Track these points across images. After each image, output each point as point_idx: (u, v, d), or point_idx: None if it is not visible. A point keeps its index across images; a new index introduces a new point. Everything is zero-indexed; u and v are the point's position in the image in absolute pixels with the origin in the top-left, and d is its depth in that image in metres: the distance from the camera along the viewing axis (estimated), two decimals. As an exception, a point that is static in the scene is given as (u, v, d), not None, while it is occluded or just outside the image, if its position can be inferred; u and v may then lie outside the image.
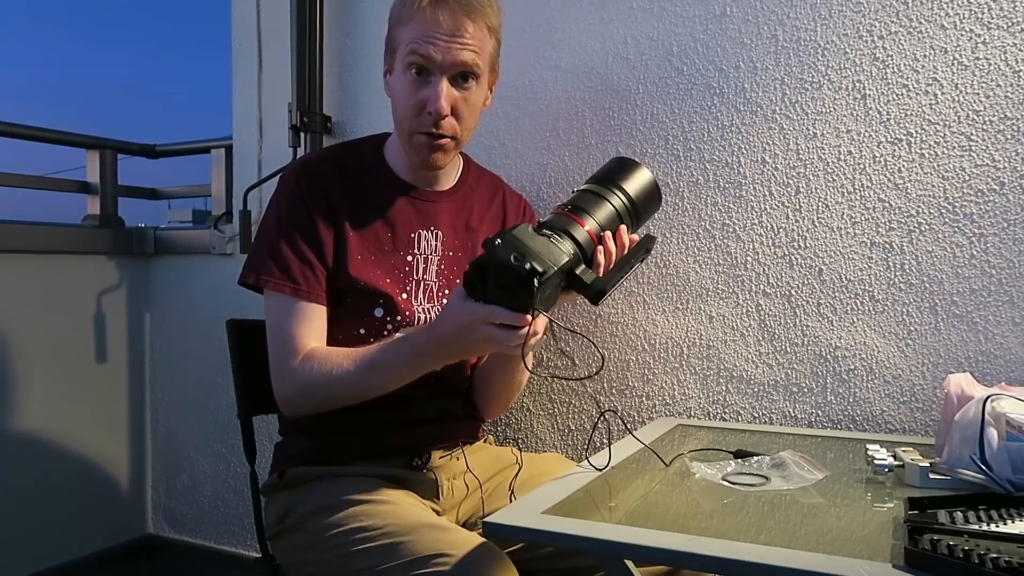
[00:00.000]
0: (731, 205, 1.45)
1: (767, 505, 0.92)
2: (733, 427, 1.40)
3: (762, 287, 1.43)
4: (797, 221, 1.40)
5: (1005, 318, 1.27)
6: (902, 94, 1.33)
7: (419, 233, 1.27)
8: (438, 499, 1.24)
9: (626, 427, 1.29)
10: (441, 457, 1.27)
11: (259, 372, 1.25)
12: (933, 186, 1.31)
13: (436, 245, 1.28)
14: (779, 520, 0.88)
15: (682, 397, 1.49)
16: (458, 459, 1.28)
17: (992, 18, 1.27)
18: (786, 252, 1.41)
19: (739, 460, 1.07)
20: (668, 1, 1.48)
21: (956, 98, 1.29)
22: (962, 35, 1.29)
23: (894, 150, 1.33)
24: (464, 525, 1.25)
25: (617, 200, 1.12)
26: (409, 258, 1.26)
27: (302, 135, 1.81)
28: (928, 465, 0.99)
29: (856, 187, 1.36)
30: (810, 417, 1.40)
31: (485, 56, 1.19)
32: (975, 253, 1.29)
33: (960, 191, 1.29)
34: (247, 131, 1.95)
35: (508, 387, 1.34)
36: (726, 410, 1.46)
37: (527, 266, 0.95)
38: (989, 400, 0.97)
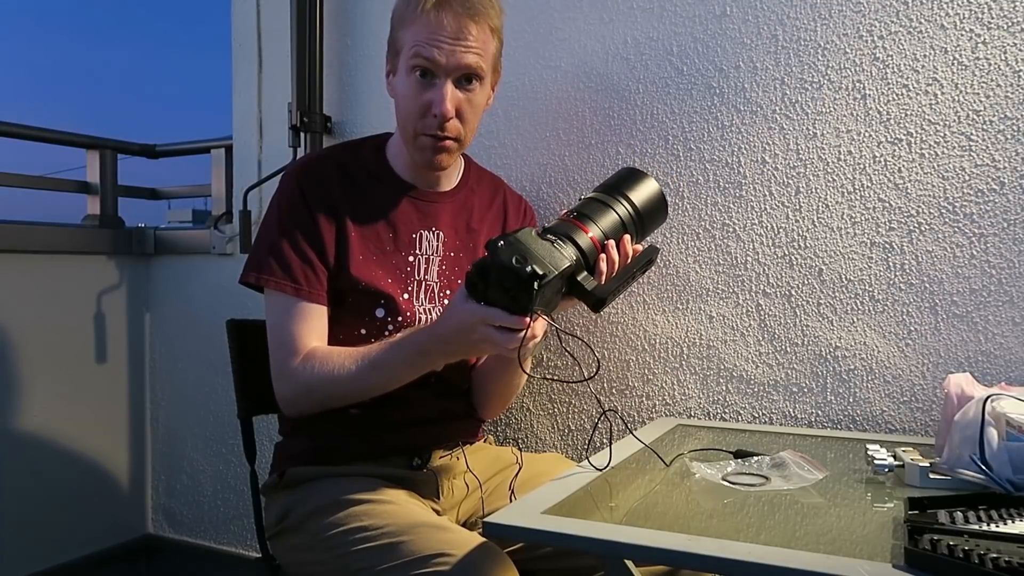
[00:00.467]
0: (731, 205, 1.45)
1: (767, 505, 0.92)
2: (733, 427, 1.40)
3: (762, 287, 1.43)
4: (797, 221, 1.40)
5: (1005, 318, 1.27)
6: (902, 94, 1.33)
7: (420, 233, 1.27)
8: (438, 499, 1.24)
9: (626, 427, 1.30)
10: (441, 457, 1.27)
11: (259, 372, 1.25)
12: (933, 186, 1.31)
13: (437, 246, 1.28)
14: (779, 520, 0.88)
15: (682, 397, 1.49)
16: (458, 459, 1.28)
17: (992, 18, 1.27)
18: (786, 252, 1.41)
19: (739, 460, 1.07)
20: (668, 1, 1.48)
21: (956, 98, 1.29)
22: (962, 35, 1.29)
23: (894, 150, 1.33)
24: (464, 525, 1.25)
25: (623, 209, 1.12)
26: (411, 258, 1.26)
27: (302, 135, 1.81)
28: (928, 465, 0.99)
29: (856, 187, 1.36)
30: (810, 417, 1.40)
31: (488, 57, 1.19)
32: (975, 253, 1.29)
33: (960, 191, 1.29)
34: (247, 131, 1.95)
35: (506, 388, 1.34)
36: (726, 410, 1.46)
37: (528, 269, 0.96)
38: (989, 400, 0.97)
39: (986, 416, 0.95)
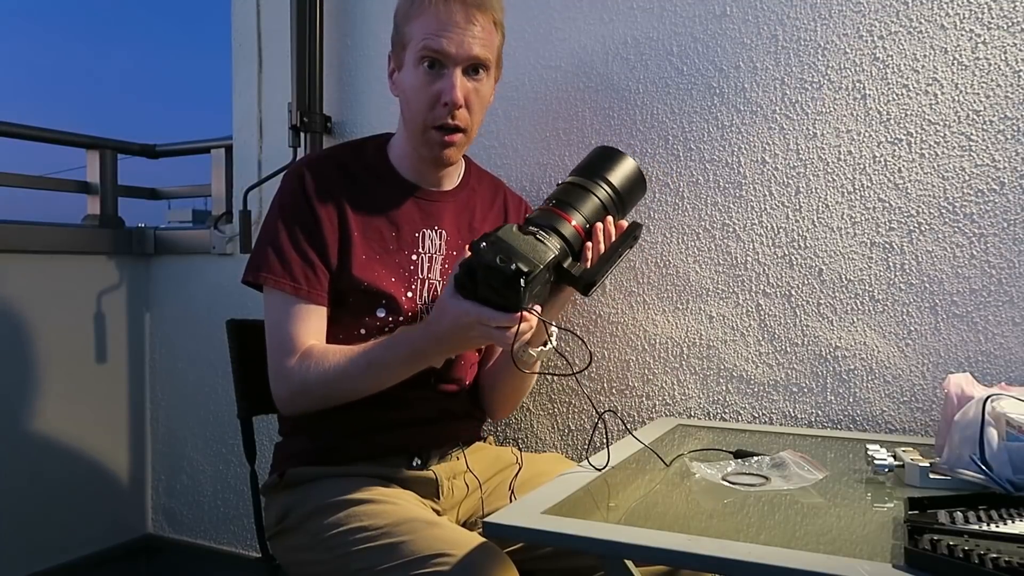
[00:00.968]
0: (731, 205, 1.45)
1: (767, 505, 0.92)
2: (733, 427, 1.40)
3: (762, 287, 1.43)
4: (797, 221, 1.40)
5: (1005, 318, 1.27)
6: (902, 94, 1.33)
7: (423, 232, 1.28)
8: (438, 499, 1.24)
9: (626, 427, 1.30)
10: (441, 457, 1.27)
11: (259, 372, 1.25)
12: (933, 186, 1.31)
13: (440, 244, 1.29)
14: (779, 520, 0.88)
15: (682, 397, 1.49)
16: (458, 459, 1.28)
17: (992, 18, 1.27)
18: (786, 252, 1.41)
19: (739, 460, 1.07)
20: (668, 1, 1.48)
21: (956, 98, 1.29)
22: (962, 35, 1.29)
23: (894, 150, 1.33)
24: (464, 525, 1.25)
25: (602, 192, 1.12)
26: (414, 257, 1.27)
27: (302, 135, 1.81)
28: (928, 465, 0.99)
29: (856, 187, 1.36)
30: (810, 417, 1.40)
31: (493, 49, 1.21)
32: (975, 253, 1.29)
33: (960, 191, 1.29)
34: (247, 131, 1.95)
35: (515, 389, 1.35)
36: (726, 410, 1.46)
37: (512, 267, 0.97)
38: (989, 400, 0.97)
39: (986, 416, 0.95)
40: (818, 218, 1.39)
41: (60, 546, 1.97)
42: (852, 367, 1.37)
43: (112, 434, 2.09)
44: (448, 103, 1.17)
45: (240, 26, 1.95)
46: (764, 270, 1.43)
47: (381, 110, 1.77)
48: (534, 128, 1.61)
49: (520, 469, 1.25)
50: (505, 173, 1.61)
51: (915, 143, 1.32)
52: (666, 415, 1.50)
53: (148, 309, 2.16)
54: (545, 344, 1.16)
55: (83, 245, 2.03)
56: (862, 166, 1.36)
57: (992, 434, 0.94)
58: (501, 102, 1.60)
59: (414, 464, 1.25)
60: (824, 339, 1.39)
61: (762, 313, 1.43)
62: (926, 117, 1.31)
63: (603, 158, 1.17)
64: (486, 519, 0.86)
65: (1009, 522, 0.82)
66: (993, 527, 0.81)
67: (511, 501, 1.19)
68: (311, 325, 1.20)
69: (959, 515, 0.84)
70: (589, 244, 1.09)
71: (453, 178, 1.33)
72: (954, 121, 1.30)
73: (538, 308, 1.04)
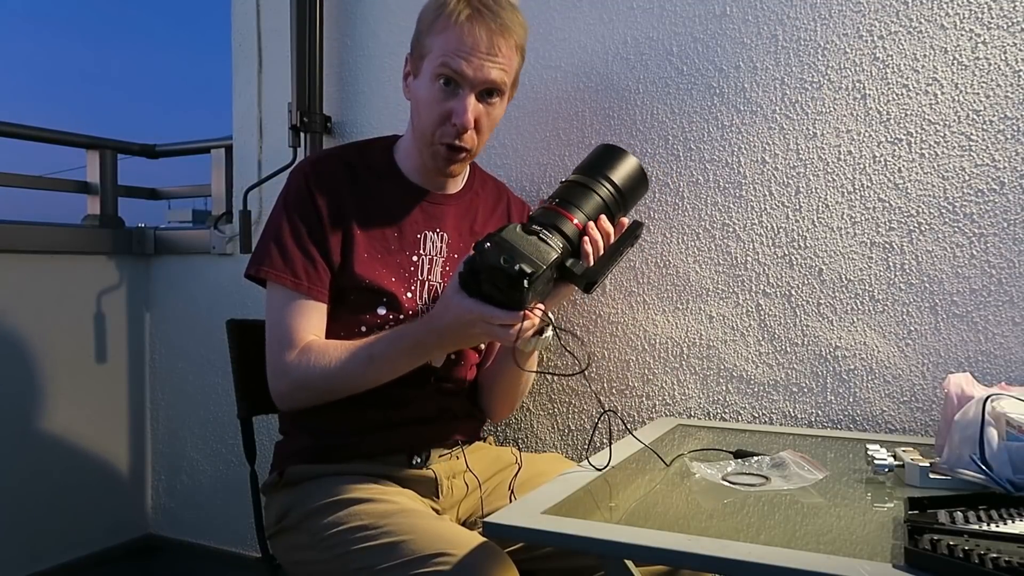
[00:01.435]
0: (731, 205, 1.45)
1: (767, 505, 0.92)
2: (733, 427, 1.40)
3: (762, 287, 1.43)
4: (797, 221, 1.40)
5: (1005, 318, 1.27)
6: (902, 94, 1.33)
7: (425, 234, 1.28)
8: (438, 498, 1.24)
9: (626, 427, 1.30)
10: (441, 456, 1.27)
11: (259, 372, 1.25)
12: (933, 186, 1.31)
13: (441, 247, 1.29)
14: (779, 520, 0.88)
15: (682, 397, 1.49)
16: (458, 458, 1.28)
17: (992, 18, 1.27)
18: (786, 252, 1.41)
19: (739, 460, 1.07)
20: (668, 1, 1.48)
21: (956, 98, 1.29)
22: (962, 35, 1.29)
23: (894, 150, 1.33)
24: (464, 524, 1.25)
25: (604, 190, 1.12)
26: (415, 258, 1.27)
27: (302, 135, 1.81)
28: (928, 465, 0.99)
29: (856, 187, 1.36)
30: (810, 417, 1.40)
31: (511, 74, 1.21)
32: (975, 253, 1.29)
33: (960, 191, 1.29)
34: (247, 131, 1.95)
35: (514, 390, 1.35)
36: (726, 410, 1.46)
37: (516, 267, 0.98)
38: (989, 400, 0.97)
39: (986, 416, 0.95)
40: (818, 218, 1.39)
41: (60, 546, 1.97)
42: (852, 367, 1.37)
43: (112, 434, 2.09)
44: (458, 125, 1.18)
45: (240, 26, 1.95)
46: (764, 270, 1.43)
47: (381, 110, 1.77)
48: (534, 128, 1.61)
49: (520, 469, 1.25)
50: (505, 173, 1.61)
51: (915, 143, 1.32)
52: (666, 415, 1.50)
53: (148, 309, 2.16)
54: (542, 332, 1.16)
55: (83, 245, 2.03)
56: (862, 166, 1.36)
57: (992, 434, 0.94)
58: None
59: (414, 463, 1.25)
60: (824, 339, 1.39)
61: (762, 313, 1.43)
62: (926, 117, 1.31)
63: (605, 156, 1.17)
64: (486, 519, 0.86)
65: (1009, 522, 0.82)
66: (993, 527, 0.81)
67: (511, 501, 1.19)
68: (311, 321, 1.20)
69: (959, 515, 0.84)
70: (586, 239, 1.09)
71: (457, 181, 1.34)
72: (954, 121, 1.30)
73: (541, 306, 1.05)
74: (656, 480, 1.04)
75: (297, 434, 1.29)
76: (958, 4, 1.29)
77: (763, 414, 1.44)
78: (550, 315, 1.09)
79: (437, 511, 1.22)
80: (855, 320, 1.37)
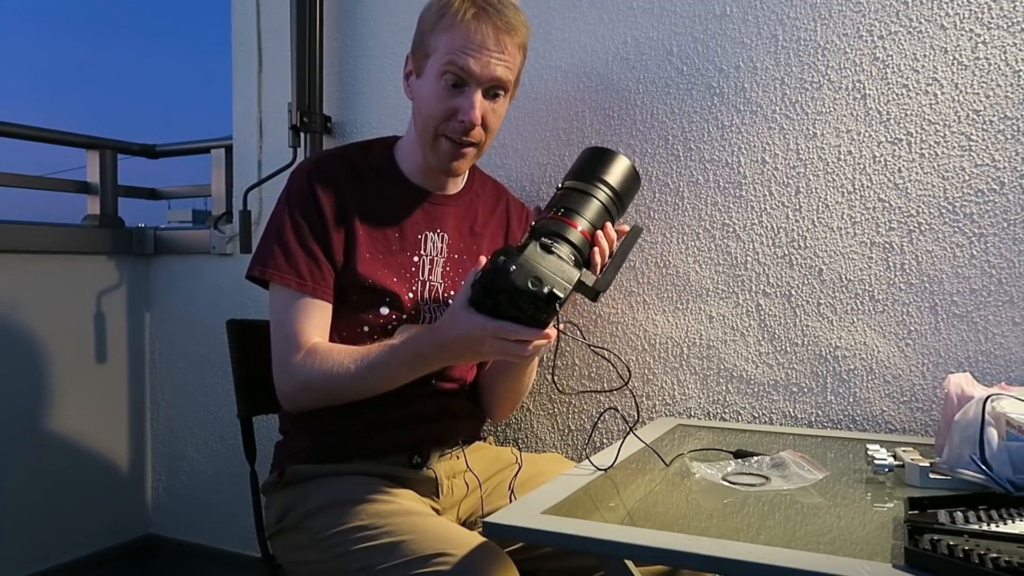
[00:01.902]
0: (731, 205, 1.45)
1: (767, 505, 0.93)
2: (733, 427, 1.40)
3: (762, 287, 1.43)
4: (797, 221, 1.40)
5: (1005, 318, 1.28)
6: (902, 94, 1.33)
7: (426, 235, 1.28)
8: (438, 498, 1.24)
9: (628, 426, 1.29)
10: (441, 455, 1.27)
11: (259, 372, 1.25)
12: (933, 186, 1.31)
13: (442, 247, 1.29)
14: (779, 520, 0.88)
15: (682, 397, 1.49)
16: (458, 458, 1.28)
17: (992, 18, 1.27)
18: (786, 252, 1.41)
19: (739, 460, 1.07)
20: (668, 1, 1.48)
21: (956, 98, 1.29)
22: (962, 35, 1.29)
23: (894, 150, 1.34)
24: (464, 524, 1.25)
25: (602, 194, 1.12)
26: (416, 259, 1.27)
27: (302, 135, 1.81)
28: (928, 465, 0.99)
29: (856, 187, 1.36)
30: (810, 417, 1.40)
31: (515, 72, 1.22)
32: (975, 253, 1.29)
33: (960, 191, 1.29)
34: (247, 131, 1.95)
35: (515, 390, 1.35)
36: (726, 410, 1.46)
37: (546, 291, 0.97)
38: (989, 400, 0.97)
39: (986, 416, 0.95)
40: (818, 218, 1.39)
41: (60, 546, 1.97)
42: (852, 367, 1.37)
43: (112, 434, 2.09)
44: (466, 121, 1.18)
45: (240, 26, 1.95)
46: (764, 270, 1.43)
47: (381, 110, 1.77)
48: (534, 128, 1.61)
49: (520, 469, 1.25)
50: (505, 173, 1.61)
51: (915, 143, 1.32)
52: (666, 415, 1.50)
53: (148, 309, 2.16)
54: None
55: (83, 245, 2.03)
56: (862, 166, 1.36)
57: (992, 434, 0.94)
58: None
59: (414, 462, 1.25)
60: (824, 339, 1.39)
61: (762, 313, 1.43)
62: (926, 117, 1.31)
63: (597, 159, 1.16)
64: (486, 519, 0.86)
65: (1009, 522, 0.82)
66: (993, 527, 0.81)
67: (511, 501, 1.19)
68: (316, 321, 1.20)
69: (959, 515, 0.84)
70: (596, 249, 1.09)
71: (457, 182, 1.34)
72: (954, 121, 1.30)
73: (557, 326, 1.04)
74: (656, 480, 1.04)
75: (297, 434, 1.29)
76: (958, 4, 1.29)
77: (763, 414, 1.44)
78: (578, 331, 1.08)
79: (437, 511, 1.22)
80: (855, 320, 1.37)
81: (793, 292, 1.41)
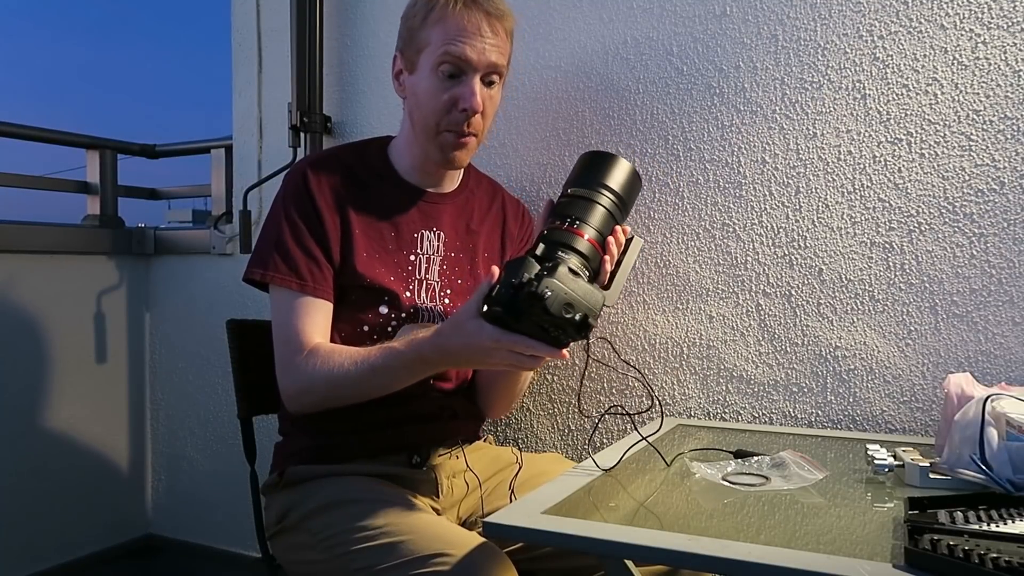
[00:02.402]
0: (731, 205, 1.45)
1: (767, 505, 0.92)
2: (733, 427, 1.40)
3: (762, 287, 1.43)
4: (797, 221, 1.40)
5: (1005, 318, 1.27)
6: (902, 94, 1.33)
7: (422, 233, 1.28)
8: (437, 497, 1.24)
9: (634, 426, 1.30)
10: (440, 455, 1.27)
11: (259, 372, 1.26)
12: (933, 186, 1.31)
13: (438, 245, 1.29)
14: (779, 520, 0.88)
15: (682, 397, 1.49)
16: (457, 457, 1.28)
17: (992, 18, 1.27)
18: (786, 252, 1.41)
19: (739, 460, 1.07)
20: (668, 1, 1.48)
21: (956, 98, 1.29)
22: (962, 35, 1.29)
23: (894, 150, 1.33)
24: (463, 524, 1.25)
25: (607, 200, 1.12)
26: (412, 257, 1.27)
27: (302, 135, 1.81)
28: (928, 465, 0.99)
29: (856, 187, 1.36)
30: (810, 417, 1.40)
31: (507, 57, 1.24)
32: (975, 253, 1.29)
33: (960, 191, 1.29)
34: (247, 131, 1.95)
35: (512, 390, 1.35)
36: (726, 410, 1.46)
37: (578, 317, 0.96)
38: (989, 400, 0.97)
39: (986, 416, 0.95)
40: (818, 218, 1.39)
41: (60, 546, 1.97)
42: (852, 367, 1.37)
43: (112, 434, 2.09)
44: (467, 109, 1.19)
45: (240, 26, 1.95)
46: (764, 270, 1.43)
47: (381, 110, 1.77)
48: (534, 128, 1.61)
49: (520, 469, 1.25)
50: (505, 173, 1.61)
51: (915, 143, 1.32)
52: (666, 415, 1.50)
53: (148, 309, 2.16)
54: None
55: (83, 245, 2.03)
56: (862, 166, 1.36)
57: (992, 434, 0.94)
58: (501, 102, 1.60)
59: (413, 462, 1.25)
60: (824, 339, 1.39)
61: (762, 313, 1.43)
62: (926, 117, 1.31)
63: (598, 164, 1.16)
64: (486, 519, 0.86)
65: (1009, 522, 0.82)
66: (993, 527, 0.81)
67: (511, 501, 1.19)
68: (317, 321, 1.20)
69: (959, 515, 0.84)
70: (606, 258, 1.09)
71: (453, 180, 1.34)
72: (954, 121, 1.30)
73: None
74: (656, 480, 1.04)
75: (297, 434, 1.29)
76: (958, 4, 1.29)
77: (763, 414, 1.44)
78: (611, 347, 1.07)
79: (437, 511, 1.22)
80: (855, 320, 1.37)
81: (793, 292, 1.41)
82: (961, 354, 1.30)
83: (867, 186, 1.35)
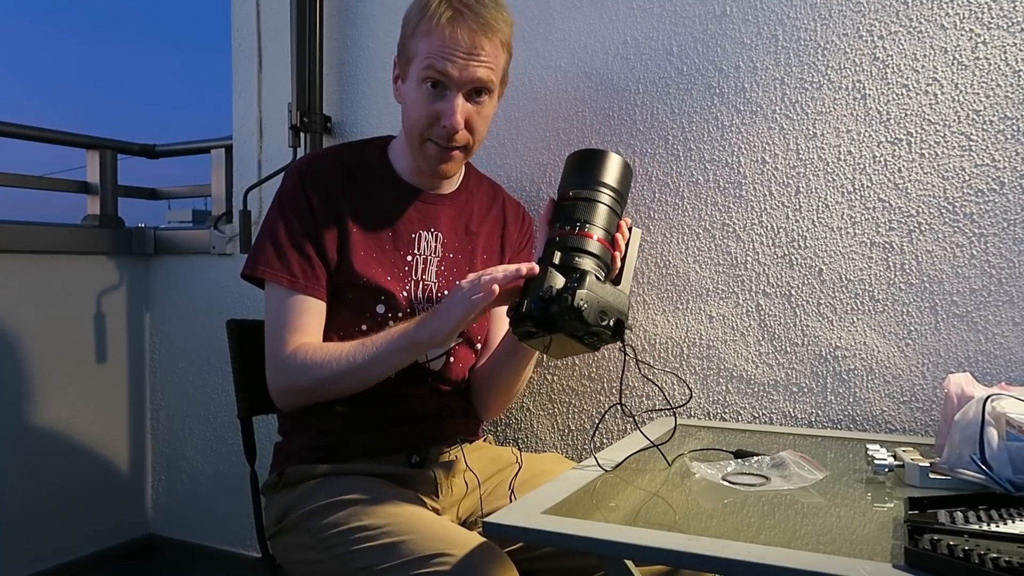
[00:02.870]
0: (731, 205, 1.45)
1: (767, 505, 0.92)
2: (733, 427, 1.40)
3: (762, 287, 1.43)
4: (797, 221, 1.40)
5: (1005, 318, 1.27)
6: (902, 94, 1.33)
7: (420, 234, 1.28)
8: (437, 497, 1.24)
9: (635, 422, 1.30)
10: (440, 454, 1.27)
11: (259, 372, 1.26)
12: (933, 186, 1.31)
13: (436, 247, 1.29)
14: (779, 520, 0.88)
15: (682, 397, 1.49)
16: (457, 457, 1.28)
17: (992, 18, 1.27)
18: (786, 252, 1.41)
19: (739, 460, 1.07)
20: (668, 1, 1.48)
21: (956, 98, 1.29)
22: (962, 35, 1.29)
23: (894, 150, 1.33)
24: (463, 524, 1.25)
25: (607, 197, 1.13)
26: (409, 258, 1.27)
27: (302, 135, 1.81)
28: (928, 465, 0.99)
29: (856, 187, 1.36)
30: (810, 417, 1.40)
31: (499, 71, 1.22)
32: (975, 253, 1.29)
33: (960, 191, 1.29)
34: (247, 131, 1.95)
35: (508, 390, 1.35)
36: (726, 410, 1.46)
37: (613, 322, 1.01)
38: (989, 400, 0.97)
39: (986, 416, 0.95)
40: (818, 218, 1.39)
41: (60, 546, 1.97)
42: (852, 367, 1.37)
43: (112, 434, 2.09)
44: (448, 126, 1.18)
45: (240, 26, 1.95)
46: (764, 270, 1.43)
47: (381, 110, 1.77)
48: (534, 128, 1.61)
49: (520, 469, 1.25)
50: (505, 173, 1.61)
51: (915, 143, 1.32)
52: (666, 415, 1.50)
53: (148, 309, 2.16)
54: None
55: (83, 245, 2.03)
56: (862, 166, 1.35)
57: (992, 434, 0.94)
58: (501, 102, 1.60)
59: (413, 461, 1.25)
60: (824, 339, 1.39)
61: (762, 313, 1.43)
62: (926, 117, 1.31)
63: (590, 163, 1.16)
64: (486, 519, 0.86)
65: (1009, 522, 0.82)
66: (993, 527, 0.81)
67: (511, 501, 1.19)
68: (307, 319, 1.20)
69: (959, 515, 0.84)
70: (616, 255, 1.10)
71: (452, 181, 1.34)
72: (954, 121, 1.30)
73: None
74: (656, 480, 1.04)
75: (297, 434, 1.29)
76: (958, 4, 1.29)
77: (763, 414, 1.44)
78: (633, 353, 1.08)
79: (437, 510, 1.22)
80: (855, 320, 1.37)
81: (793, 292, 1.41)
82: (961, 354, 1.30)
83: (867, 186, 1.35)
